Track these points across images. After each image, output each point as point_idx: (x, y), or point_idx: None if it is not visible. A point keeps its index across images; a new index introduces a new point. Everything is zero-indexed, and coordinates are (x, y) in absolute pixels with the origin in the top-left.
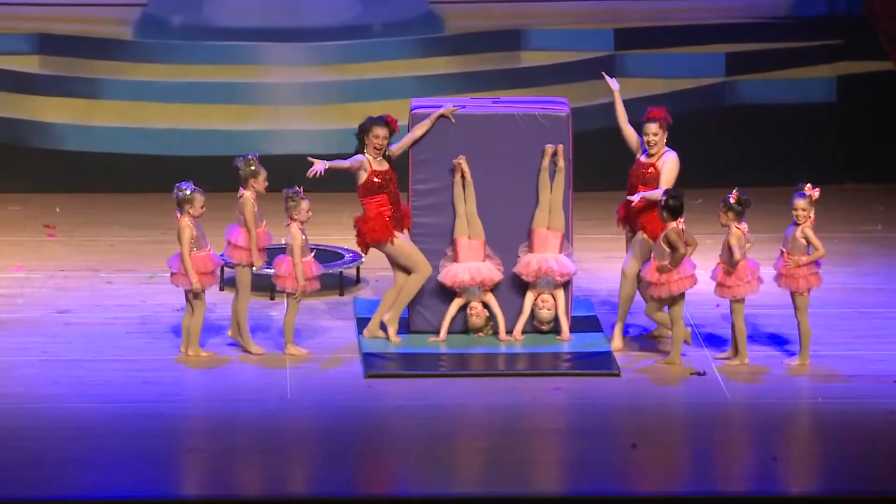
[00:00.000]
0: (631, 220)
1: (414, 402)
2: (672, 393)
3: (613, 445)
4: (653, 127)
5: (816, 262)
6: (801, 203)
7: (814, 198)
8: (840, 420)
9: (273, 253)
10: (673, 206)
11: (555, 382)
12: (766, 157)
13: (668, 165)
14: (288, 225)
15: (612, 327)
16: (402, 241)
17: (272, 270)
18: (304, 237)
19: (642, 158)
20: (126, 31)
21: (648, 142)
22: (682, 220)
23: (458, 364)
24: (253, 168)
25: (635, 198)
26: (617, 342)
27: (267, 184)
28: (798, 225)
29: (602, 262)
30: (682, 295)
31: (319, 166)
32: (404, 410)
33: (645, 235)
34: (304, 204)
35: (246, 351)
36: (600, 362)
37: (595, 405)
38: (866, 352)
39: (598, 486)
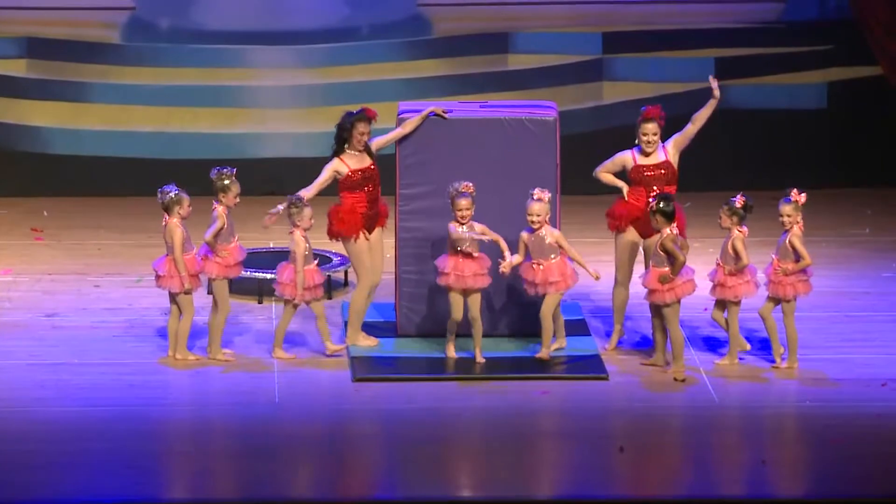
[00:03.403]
0: (645, 223)
1: (402, 405)
2: (660, 396)
3: (601, 449)
4: (651, 126)
5: (804, 270)
6: (786, 209)
7: (800, 203)
8: (828, 423)
9: (277, 257)
10: (667, 211)
11: (543, 386)
12: (755, 162)
13: (674, 141)
14: (291, 232)
15: (608, 333)
16: (362, 245)
17: (275, 276)
18: (307, 245)
19: (642, 161)
20: (113, 34)
21: (648, 142)
22: (674, 225)
23: (448, 368)
24: (226, 182)
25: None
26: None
27: (238, 200)
28: (788, 232)
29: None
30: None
31: (274, 216)
32: (393, 414)
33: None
34: (307, 211)
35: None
36: (589, 366)
37: (583, 409)
38: (854, 355)
39: (586, 489)
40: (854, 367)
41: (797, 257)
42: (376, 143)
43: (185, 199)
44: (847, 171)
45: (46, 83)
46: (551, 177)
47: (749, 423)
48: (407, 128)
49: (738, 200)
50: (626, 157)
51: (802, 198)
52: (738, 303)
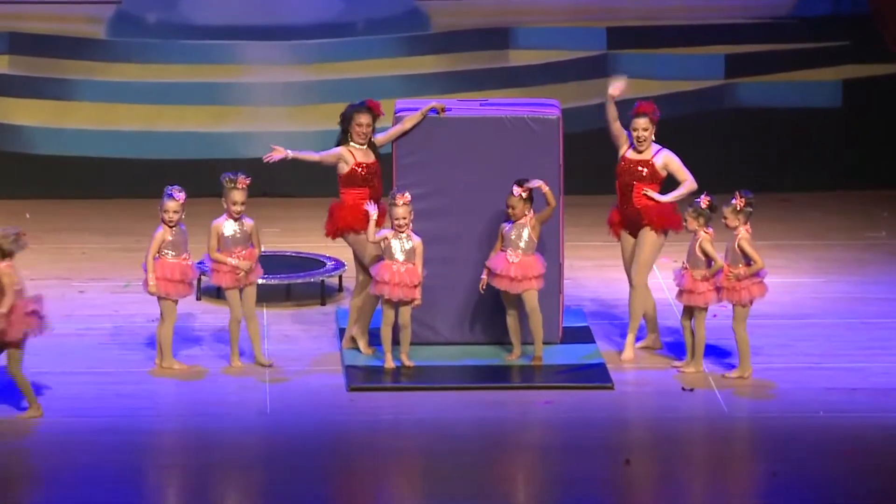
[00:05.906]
0: (631, 222)
1: (399, 416)
2: (668, 406)
3: (607, 460)
4: (642, 122)
5: (757, 273)
6: (724, 211)
7: (738, 207)
8: (843, 434)
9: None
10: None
11: (546, 396)
12: (766, 163)
13: (675, 161)
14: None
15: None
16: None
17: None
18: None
19: (629, 155)
20: (99, 29)
21: (638, 137)
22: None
23: (447, 377)
24: (227, 188)
25: (667, 197)
26: (629, 353)
27: (238, 207)
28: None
29: (594, 271)
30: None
31: (278, 154)
32: (389, 425)
33: (653, 232)
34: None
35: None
36: (593, 375)
37: (587, 419)
38: (870, 363)
39: (591, 502)
40: (870, 376)
41: (748, 261)
42: (376, 140)
43: (168, 203)
44: (862, 171)
45: (29, 80)
46: (554, 177)
47: (760, 434)
48: (406, 124)
49: (703, 201)
50: (623, 139)
51: (741, 202)
52: (705, 309)
